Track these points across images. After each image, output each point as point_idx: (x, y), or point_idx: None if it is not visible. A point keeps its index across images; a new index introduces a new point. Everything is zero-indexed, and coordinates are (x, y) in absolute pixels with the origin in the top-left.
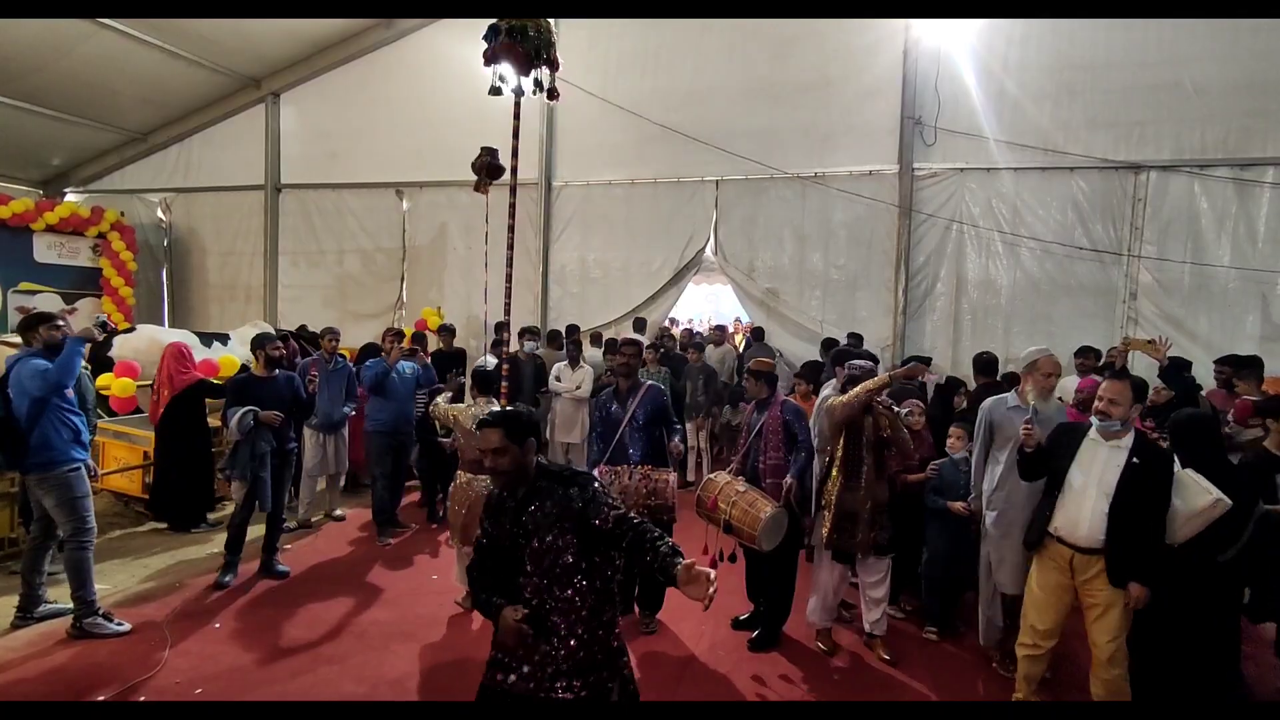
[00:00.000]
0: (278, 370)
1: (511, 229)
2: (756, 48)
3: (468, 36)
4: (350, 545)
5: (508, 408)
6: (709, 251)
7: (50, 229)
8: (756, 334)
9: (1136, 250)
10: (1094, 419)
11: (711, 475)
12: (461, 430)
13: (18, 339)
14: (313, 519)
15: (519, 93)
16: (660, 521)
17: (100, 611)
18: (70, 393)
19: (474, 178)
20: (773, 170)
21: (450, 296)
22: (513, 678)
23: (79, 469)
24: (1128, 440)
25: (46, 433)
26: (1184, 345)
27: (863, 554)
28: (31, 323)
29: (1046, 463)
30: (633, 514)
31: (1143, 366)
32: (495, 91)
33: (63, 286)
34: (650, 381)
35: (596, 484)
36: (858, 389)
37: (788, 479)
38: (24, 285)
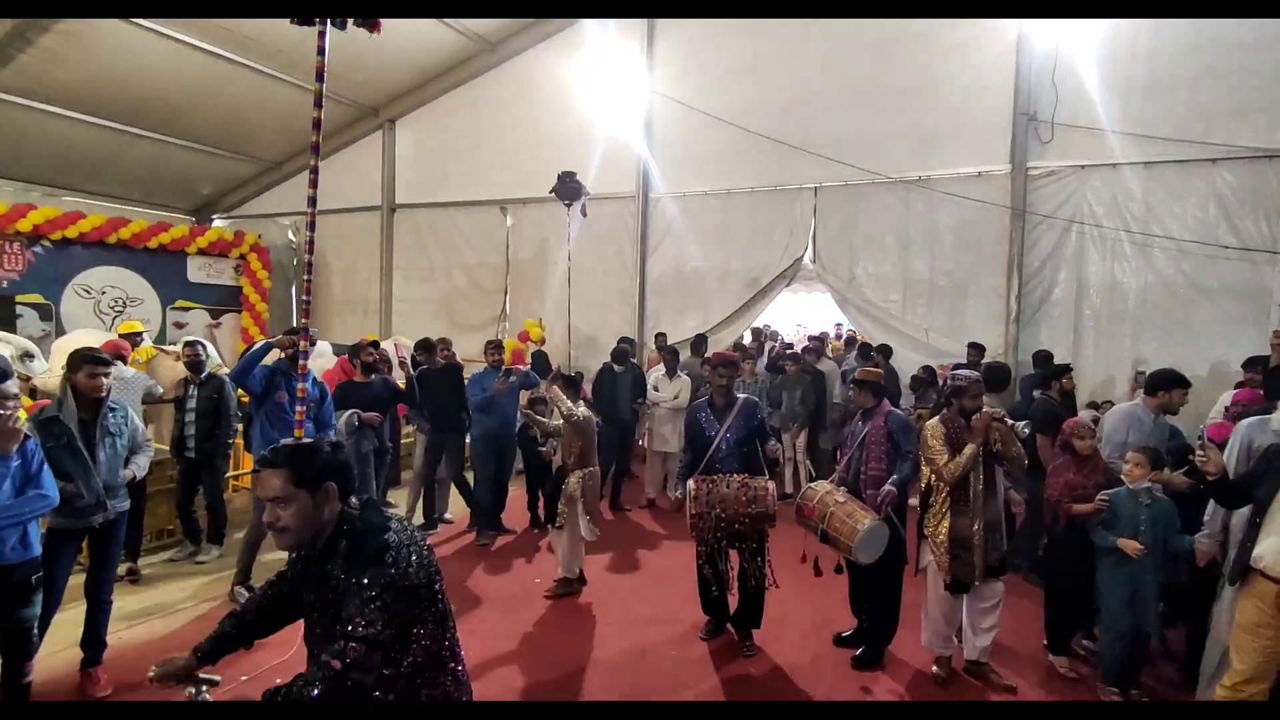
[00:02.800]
0: (374, 375)
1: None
2: (857, 51)
3: (566, 58)
4: (458, 547)
5: (301, 440)
6: (807, 259)
7: (201, 252)
8: (863, 351)
9: None
10: None
11: (812, 484)
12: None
13: (175, 348)
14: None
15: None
16: (760, 530)
17: (247, 583)
18: (282, 395)
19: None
20: (874, 175)
21: (550, 309)
22: None
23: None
24: None
25: (253, 431)
26: None
27: (979, 580)
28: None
29: (1250, 488)
30: (355, 640)
31: None
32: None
33: (210, 303)
34: (745, 395)
35: (380, 571)
36: (965, 455)
37: (887, 486)
38: (180, 303)
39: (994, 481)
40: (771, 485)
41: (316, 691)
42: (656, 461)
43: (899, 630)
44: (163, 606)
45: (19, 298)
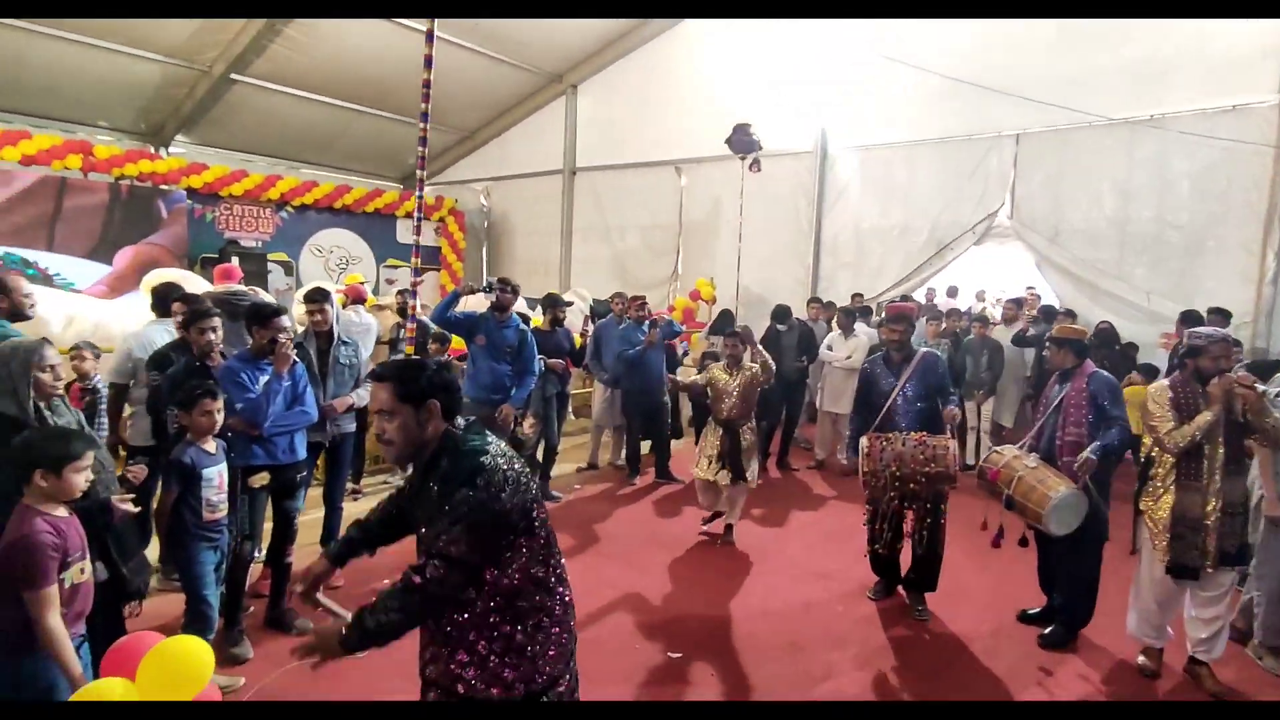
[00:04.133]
0: (558, 327)
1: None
2: None
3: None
4: (628, 491)
5: (410, 357)
6: (1003, 215)
7: (407, 215)
8: (1047, 313)
9: None
10: None
11: (998, 448)
12: (714, 389)
13: (389, 301)
14: (599, 464)
15: None
16: (938, 492)
17: None
18: (480, 340)
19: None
20: (1090, 117)
21: (721, 268)
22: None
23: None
24: None
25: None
26: None
27: (1212, 566)
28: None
29: None
30: (438, 557)
31: None
32: None
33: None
34: (926, 349)
35: (471, 491)
36: (1196, 424)
37: (1085, 454)
38: (390, 261)
39: (1240, 457)
40: (953, 444)
41: (398, 613)
42: (827, 422)
43: (1096, 614)
44: None
45: (270, 256)
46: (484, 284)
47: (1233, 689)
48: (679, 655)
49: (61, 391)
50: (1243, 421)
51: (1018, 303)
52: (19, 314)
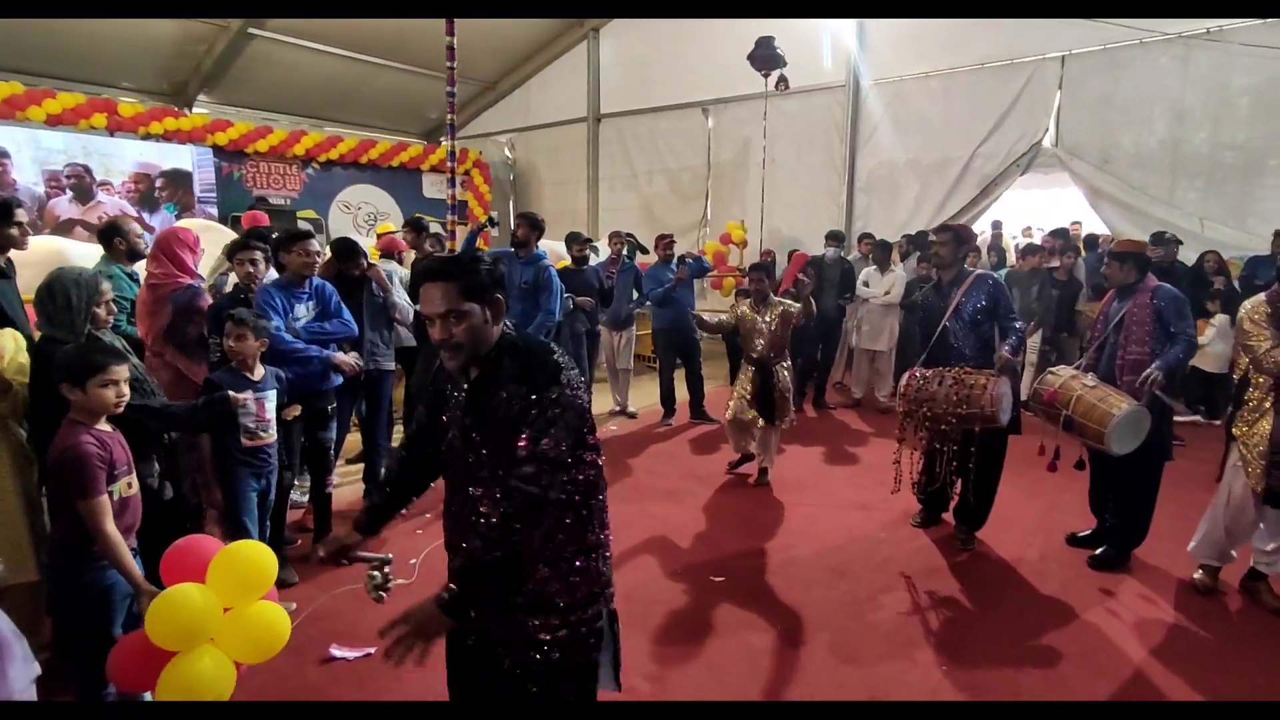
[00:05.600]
0: (586, 265)
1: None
2: None
3: None
4: (663, 431)
5: (458, 252)
6: (1047, 142)
7: (433, 169)
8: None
9: None
10: None
11: (1054, 369)
12: (743, 327)
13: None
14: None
15: None
16: (971, 433)
17: None
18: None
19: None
20: (1143, 34)
21: (752, 210)
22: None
23: None
24: None
25: None
26: None
27: None
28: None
29: None
30: (544, 463)
31: None
32: None
33: (442, 216)
34: (981, 270)
35: (558, 389)
36: None
37: (1151, 370)
38: (416, 215)
39: None
40: (994, 383)
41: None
42: (864, 359)
43: (1149, 536)
44: None
45: (299, 214)
46: (487, 219)
47: None
48: (721, 579)
49: (111, 323)
50: None
51: (1060, 234)
52: (136, 254)
